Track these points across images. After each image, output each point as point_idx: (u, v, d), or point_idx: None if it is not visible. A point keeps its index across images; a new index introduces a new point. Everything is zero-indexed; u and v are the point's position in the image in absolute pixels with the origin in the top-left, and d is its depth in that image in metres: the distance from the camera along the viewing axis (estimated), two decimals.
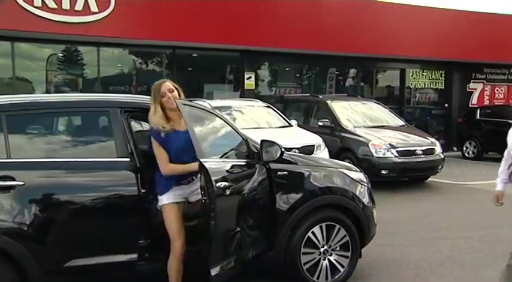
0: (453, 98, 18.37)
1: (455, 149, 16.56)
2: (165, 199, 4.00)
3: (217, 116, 4.50)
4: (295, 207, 4.61)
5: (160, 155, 3.94)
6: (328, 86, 16.96)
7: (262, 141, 4.42)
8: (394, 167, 9.98)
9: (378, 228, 5.23)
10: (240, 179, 4.13)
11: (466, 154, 15.63)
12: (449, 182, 11.00)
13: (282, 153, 4.40)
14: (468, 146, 15.63)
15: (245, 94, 14.36)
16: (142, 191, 4.07)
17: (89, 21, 11.78)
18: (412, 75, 18.08)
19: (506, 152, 4.25)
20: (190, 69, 15.28)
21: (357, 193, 4.97)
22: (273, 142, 4.41)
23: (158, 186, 4.04)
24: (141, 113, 4.26)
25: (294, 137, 9.61)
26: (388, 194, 9.45)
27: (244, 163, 4.33)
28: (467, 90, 18.72)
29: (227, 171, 3.97)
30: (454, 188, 10.49)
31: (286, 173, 4.60)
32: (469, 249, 6.19)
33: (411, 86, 18.18)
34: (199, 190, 3.93)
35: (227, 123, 4.55)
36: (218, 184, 3.76)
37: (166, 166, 3.95)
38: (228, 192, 3.84)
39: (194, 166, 3.84)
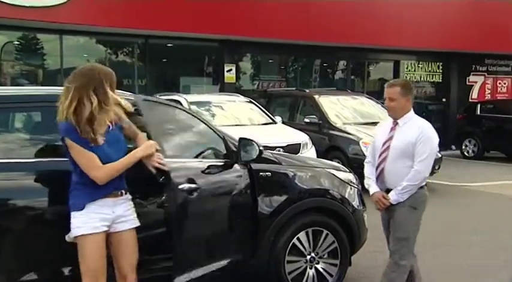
0: (451, 92, 18.58)
1: (453, 147, 16.72)
2: (82, 225, 3.31)
3: (191, 114, 4.50)
4: (279, 211, 4.63)
5: (86, 157, 3.26)
6: (316, 80, 17.04)
7: (240, 139, 4.44)
8: None
9: (370, 233, 5.28)
10: (213, 180, 4.15)
11: (465, 153, 15.79)
12: (446, 184, 11.13)
13: (261, 152, 4.41)
14: (468, 144, 15.79)
15: (225, 88, 14.37)
16: None
17: (50, 6, 11.57)
18: (407, 68, 18.25)
19: None
20: (164, 60, 15.24)
21: (347, 195, 5.03)
22: (250, 140, 4.43)
23: (73, 202, 3.36)
24: None
25: (278, 135, 9.65)
26: None
27: (221, 163, 4.36)
28: (467, 83, 18.92)
29: (196, 171, 3.98)
30: (452, 190, 10.60)
31: (269, 173, 4.63)
32: (468, 256, 6.26)
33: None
34: (129, 212, 3.48)
35: (202, 121, 4.58)
36: (182, 186, 3.78)
37: (99, 169, 3.27)
38: (194, 194, 3.85)
39: (137, 154, 3.36)
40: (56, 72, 13.24)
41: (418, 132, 4.17)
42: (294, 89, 13.83)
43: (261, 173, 4.57)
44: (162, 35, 13.53)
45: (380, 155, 4.30)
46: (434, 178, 11.05)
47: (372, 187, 4.37)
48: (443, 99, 18.69)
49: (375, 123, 11.55)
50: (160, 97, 10.31)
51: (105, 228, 3.36)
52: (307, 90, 12.62)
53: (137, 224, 3.51)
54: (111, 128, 3.36)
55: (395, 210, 4.25)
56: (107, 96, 3.25)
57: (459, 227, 7.66)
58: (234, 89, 14.40)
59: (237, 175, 4.44)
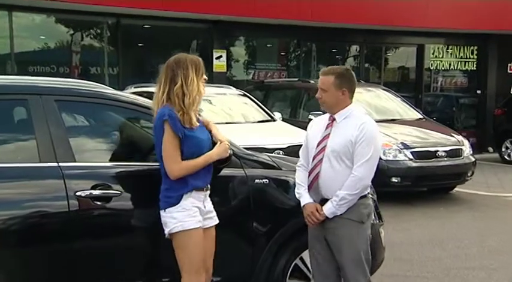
0: (488, 83, 18.53)
1: (490, 149, 16.75)
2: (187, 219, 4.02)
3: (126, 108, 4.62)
4: (278, 226, 4.67)
5: (173, 147, 3.97)
6: (323, 69, 17.05)
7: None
8: (408, 173, 10.11)
9: (388, 253, 5.32)
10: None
11: (505, 156, 15.80)
12: (482, 194, 11.17)
13: (229, 157, 4.39)
14: (509, 145, 15.79)
15: (214, 78, 14.36)
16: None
17: None
18: (433, 53, 18.28)
19: None
20: (140, 45, 15.25)
21: None
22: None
23: (165, 200, 4.06)
24: (76, 103, 4.35)
25: (277, 134, 9.66)
26: (400, 208, 9.58)
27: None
28: (508, 71, 18.82)
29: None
30: (489, 202, 10.62)
31: (266, 180, 4.68)
32: None
33: (432, 67, 18.37)
34: (213, 208, 4.20)
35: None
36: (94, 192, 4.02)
37: (177, 163, 3.98)
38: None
39: (213, 156, 4.08)
40: (4, 57, 12.98)
41: (359, 130, 4.13)
42: (297, 79, 13.85)
43: (256, 180, 4.62)
44: (137, 13, 13.48)
45: (314, 158, 4.25)
46: (467, 187, 11.14)
47: (304, 197, 4.32)
48: (478, 91, 18.67)
49: (393, 121, 11.76)
50: (136, 89, 10.44)
51: (203, 223, 4.06)
52: (313, 81, 12.60)
53: (217, 220, 4.19)
54: (199, 123, 4.07)
55: (335, 226, 4.20)
56: (192, 79, 3.98)
57: (498, 246, 7.67)
58: (225, 79, 14.43)
59: (226, 182, 4.52)
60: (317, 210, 4.20)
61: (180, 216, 3.95)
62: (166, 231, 3.99)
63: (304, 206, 4.28)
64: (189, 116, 3.93)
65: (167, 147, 3.91)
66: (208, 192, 4.13)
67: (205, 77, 4.12)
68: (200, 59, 4.11)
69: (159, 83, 4.04)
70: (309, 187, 4.28)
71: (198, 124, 4.01)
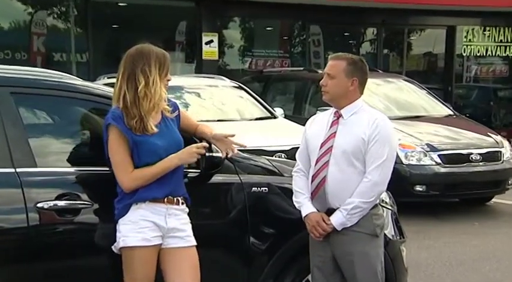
0: None
1: None
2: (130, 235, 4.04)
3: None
4: (280, 243, 4.69)
5: (121, 155, 4.02)
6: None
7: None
8: (435, 180, 10.11)
9: (411, 274, 5.33)
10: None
11: None
12: None
13: (220, 160, 4.40)
14: None
15: (204, 68, 14.41)
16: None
17: None
18: (466, 37, 18.31)
19: None
20: (115, 27, 15.28)
21: None
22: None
23: (118, 207, 4.09)
24: (37, 96, 4.34)
25: (278, 134, 9.68)
26: (426, 223, 9.60)
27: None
28: None
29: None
30: None
31: (265, 189, 4.70)
32: None
33: (464, 54, 18.39)
34: (187, 226, 4.14)
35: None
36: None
37: (128, 173, 4.01)
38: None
39: (174, 160, 4.02)
40: None
41: (372, 128, 4.17)
42: (302, 69, 13.86)
43: (253, 188, 4.64)
44: None
45: (318, 161, 4.27)
46: (507, 197, 11.11)
47: (305, 206, 4.34)
48: None
49: (418, 118, 11.78)
50: (110, 80, 10.42)
51: (158, 242, 4.02)
52: (320, 71, 12.60)
53: (193, 243, 4.10)
54: (162, 118, 4.07)
55: (344, 240, 4.21)
56: (154, 80, 3.99)
57: None
58: (217, 68, 14.45)
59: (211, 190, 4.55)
60: (323, 220, 4.22)
61: (124, 230, 3.99)
62: (113, 247, 4.05)
63: (307, 216, 4.30)
64: (143, 124, 3.94)
65: (114, 155, 3.97)
66: (180, 206, 4.11)
67: (169, 77, 4.15)
68: (167, 54, 4.13)
69: (117, 77, 4.08)
70: (313, 195, 4.30)
71: (155, 130, 3.99)
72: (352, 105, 4.26)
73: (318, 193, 4.26)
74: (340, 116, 4.28)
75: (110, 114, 3.96)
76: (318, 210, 4.28)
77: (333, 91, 4.24)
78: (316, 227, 4.24)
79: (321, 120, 4.43)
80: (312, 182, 4.29)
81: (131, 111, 3.92)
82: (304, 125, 9.70)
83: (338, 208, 4.19)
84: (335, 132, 4.25)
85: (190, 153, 4.05)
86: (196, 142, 4.20)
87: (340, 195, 4.19)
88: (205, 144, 4.14)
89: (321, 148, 4.25)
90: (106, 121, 3.94)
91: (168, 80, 4.12)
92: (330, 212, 4.23)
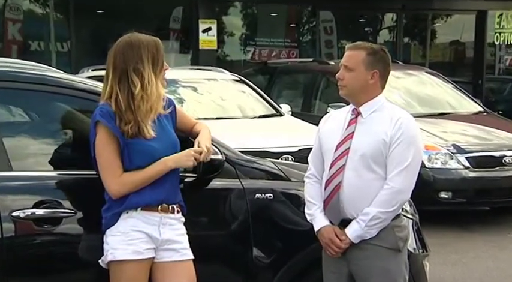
0: None
1: None
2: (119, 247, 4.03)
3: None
4: (287, 257, 4.70)
5: (108, 157, 4.00)
6: (345, 45, 17.07)
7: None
8: (462, 186, 10.06)
9: None
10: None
11: None
12: None
13: (220, 163, 4.42)
14: None
15: (200, 58, 14.42)
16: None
17: None
18: (498, 23, 18.24)
19: None
20: (100, 12, 15.28)
21: None
22: None
23: (103, 219, 4.09)
24: (13, 91, 4.33)
25: (285, 133, 9.69)
26: (452, 234, 9.58)
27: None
28: None
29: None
30: None
31: (270, 195, 4.70)
32: None
33: (497, 42, 18.34)
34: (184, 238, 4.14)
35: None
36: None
37: (116, 177, 4.00)
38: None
39: (168, 163, 4.02)
40: None
41: (395, 128, 4.12)
42: (311, 60, 13.88)
43: (257, 195, 4.64)
44: None
45: (333, 164, 4.22)
46: None
47: (318, 219, 4.30)
48: None
49: (443, 115, 11.75)
50: (94, 72, 10.43)
51: (151, 255, 4.01)
52: (333, 63, 12.64)
53: (190, 256, 4.10)
54: (157, 117, 4.05)
55: (363, 255, 4.17)
56: (150, 79, 3.97)
57: None
58: (215, 59, 14.46)
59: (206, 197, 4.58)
60: (337, 236, 4.18)
61: (112, 242, 3.97)
62: (100, 260, 4.03)
63: (319, 230, 4.27)
64: (139, 129, 3.93)
65: (101, 156, 3.95)
66: (176, 215, 4.12)
67: (166, 66, 4.13)
68: (159, 42, 4.08)
69: (105, 74, 4.04)
70: (325, 203, 4.25)
71: (153, 135, 3.98)
72: (373, 101, 4.22)
73: (331, 201, 4.21)
74: (359, 114, 4.23)
75: (97, 110, 3.93)
76: (331, 221, 4.25)
77: (351, 85, 4.19)
78: (330, 245, 4.21)
79: (337, 118, 4.39)
80: (325, 188, 4.24)
81: (125, 116, 3.91)
82: (313, 123, 9.83)
83: (354, 219, 4.15)
84: (353, 133, 4.20)
85: (187, 156, 4.04)
86: (193, 143, 4.19)
87: (357, 204, 4.14)
88: (203, 148, 4.10)
89: (336, 150, 4.21)
90: (94, 118, 3.92)
91: (166, 70, 4.10)
92: (345, 223, 4.19)
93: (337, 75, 4.27)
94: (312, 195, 4.35)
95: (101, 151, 3.92)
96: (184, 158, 4.04)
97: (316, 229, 4.29)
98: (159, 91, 3.98)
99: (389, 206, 4.10)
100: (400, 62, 13.71)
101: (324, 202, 4.26)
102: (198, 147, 4.07)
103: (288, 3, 16.49)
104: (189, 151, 4.05)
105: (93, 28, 15.23)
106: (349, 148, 4.18)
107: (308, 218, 4.37)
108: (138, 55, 3.95)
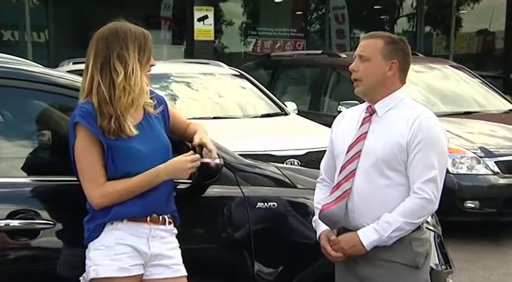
0: None
1: None
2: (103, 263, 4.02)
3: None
4: (293, 272, 4.74)
5: (90, 161, 3.99)
6: (358, 36, 17.12)
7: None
8: (491, 194, 10.07)
9: None
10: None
11: None
12: None
13: (217, 168, 4.43)
14: None
15: (196, 51, 14.45)
16: None
17: None
18: None
19: None
20: None
21: None
22: None
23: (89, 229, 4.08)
24: None
25: (291, 134, 9.73)
26: (480, 248, 9.59)
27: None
28: None
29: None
30: None
31: (273, 204, 4.72)
32: None
33: None
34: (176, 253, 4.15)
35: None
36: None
37: (98, 185, 3.99)
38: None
39: (161, 175, 4.00)
40: None
41: (413, 129, 4.07)
42: (320, 52, 13.91)
43: (259, 203, 4.67)
44: None
45: (343, 168, 4.22)
46: None
47: (320, 225, 4.33)
48: None
49: (468, 114, 11.74)
50: (75, 66, 10.45)
51: (139, 272, 4.02)
52: (344, 55, 12.68)
53: (183, 272, 4.11)
54: (144, 116, 4.07)
55: (377, 272, 4.16)
56: (134, 69, 3.95)
57: None
58: (212, 51, 14.50)
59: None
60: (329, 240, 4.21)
61: (95, 257, 3.97)
62: (81, 278, 4.03)
63: (319, 236, 4.32)
64: (119, 125, 3.91)
65: (81, 161, 3.94)
66: (167, 227, 4.13)
67: (152, 62, 4.13)
68: (148, 34, 4.09)
69: (86, 64, 4.04)
70: (324, 208, 4.22)
71: (134, 132, 3.97)
72: (390, 97, 4.18)
73: (331, 207, 4.18)
74: (374, 111, 4.21)
75: (77, 110, 3.92)
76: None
77: (366, 78, 4.15)
78: (324, 252, 4.26)
79: (351, 117, 4.37)
80: (331, 193, 4.23)
81: (105, 110, 3.89)
82: (322, 123, 9.86)
83: (356, 230, 4.13)
84: (366, 133, 4.18)
85: (182, 169, 4.02)
86: (188, 147, 4.19)
87: (369, 213, 4.12)
88: (198, 155, 4.09)
89: (347, 152, 4.19)
90: (73, 118, 3.91)
91: (152, 66, 4.09)
92: (343, 232, 4.21)
93: (350, 66, 4.22)
94: (319, 200, 4.38)
95: (81, 155, 3.91)
96: (179, 172, 4.03)
97: (319, 232, 4.33)
98: (143, 84, 3.97)
99: (416, 217, 4.08)
100: (420, 54, 13.74)
101: (323, 205, 4.23)
102: (199, 146, 4.11)
103: None
104: (186, 162, 4.02)
105: (74, 16, 15.26)
106: (361, 150, 4.16)
107: (314, 225, 4.40)
108: (124, 41, 3.95)
